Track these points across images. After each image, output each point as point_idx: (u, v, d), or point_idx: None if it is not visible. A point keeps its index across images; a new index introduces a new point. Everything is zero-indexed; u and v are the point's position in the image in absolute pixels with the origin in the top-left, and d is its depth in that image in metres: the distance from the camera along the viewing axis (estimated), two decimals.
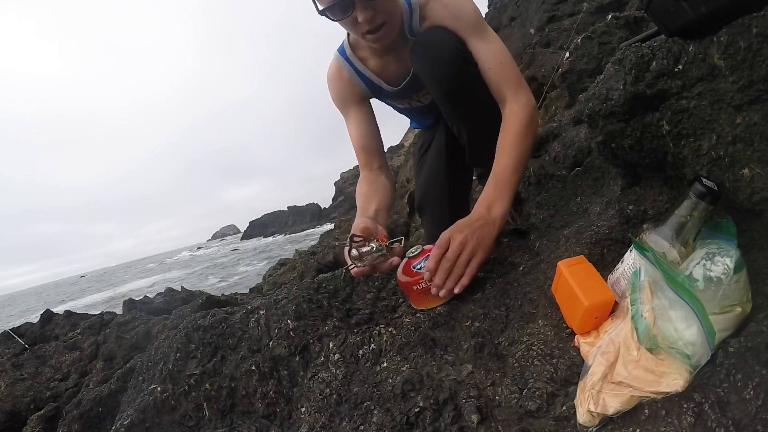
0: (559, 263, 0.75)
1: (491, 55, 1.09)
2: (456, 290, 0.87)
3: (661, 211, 0.80)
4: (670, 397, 0.54)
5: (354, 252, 0.86)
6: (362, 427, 0.71)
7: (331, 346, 0.87)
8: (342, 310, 0.95)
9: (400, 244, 0.94)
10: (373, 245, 0.88)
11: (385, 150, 1.38)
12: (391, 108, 1.43)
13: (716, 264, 0.59)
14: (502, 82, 1.08)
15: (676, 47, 0.67)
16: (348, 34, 1.23)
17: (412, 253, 0.92)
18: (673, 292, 0.57)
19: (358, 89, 1.27)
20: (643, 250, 0.63)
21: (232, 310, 1.06)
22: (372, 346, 0.85)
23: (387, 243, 0.91)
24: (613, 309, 0.68)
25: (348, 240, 0.88)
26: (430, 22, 1.13)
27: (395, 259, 0.87)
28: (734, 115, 0.64)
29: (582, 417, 0.57)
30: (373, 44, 1.10)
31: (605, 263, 0.81)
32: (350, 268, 0.89)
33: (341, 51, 1.26)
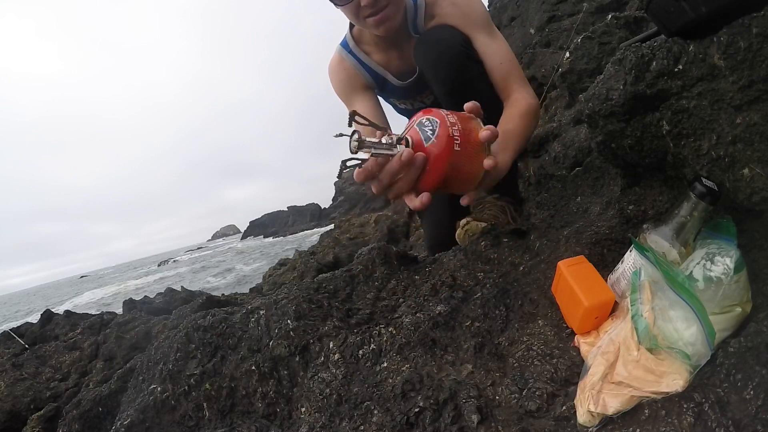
0: (559, 263, 0.75)
1: (503, 51, 1.11)
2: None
3: (661, 211, 0.80)
4: (670, 397, 0.54)
5: (354, 140, 0.61)
6: (362, 427, 0.71)
7: (331, 346, 0.87)
8: (342, 310, 0.95)
9: (408, 145, 0.69)
10: (383, 140, 0.66)
11: None
12: (391, 108, 1.43)
13: (716, 264, 0.59)
14: (511, 78, 1.10)
15: (676, 47, 0.67)
16: (350, 29, 1.24)
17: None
18: (673, 292, 0.57)
19: (362, 79, 1.27)
20: (643, 250, 0.63)
21: (232, 310, 1.06)
22: (372, 346, 0.85)
23: (397, 136, 0.68)
24: (613, 309, 0.68)
25: (349, 119, 0.64)
26: (438, 21, 1.14)
27: (407, 152, 0.64)
28: (734, 115, 0.64)
29: (582, 417, 0.57)
30: (375, 29, 1.09)
31: (605, 263, 0.81)
32: (348, 163, 0.67)
33: (344, 44, 1.26)
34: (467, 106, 0.73)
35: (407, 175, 0.66)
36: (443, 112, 0.69)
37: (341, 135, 0.64)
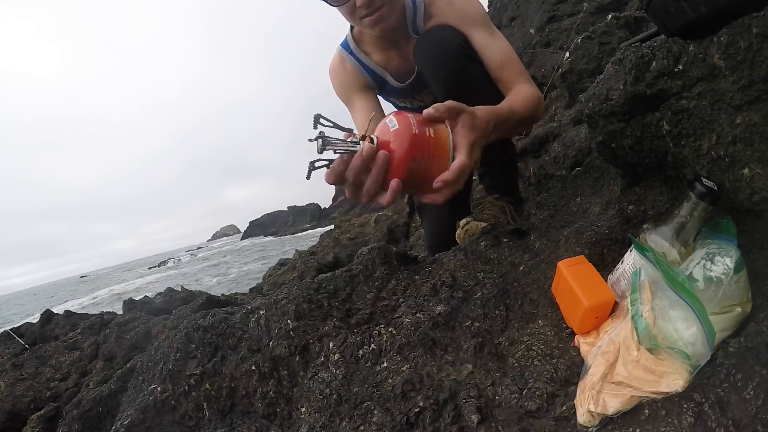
0: (559, 263, 0.75)
1: (503, 48, 1.12)
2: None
3: (661, 211, 0.80)
4: (670, 397, 0.54)
5: (319, 139, 0.63)
6: (362, 427, 0.71)
7: (331, 346, 0.87)
8: (342, 310, 0.95)
9: (373, 143, 0.69)
10: (349, 139, 0.67)
11: None
12: (391, 106, 1.44)
13: (716, 264, 0.59)
14: (513, 73, 1.10)
15: (676, 47, 0.67)
16: (350, 30, 1.24)
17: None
18: (673, 292, 0.57)
19: (362, 79, 1.28)
20: (643, 250, 0.63)
21: (232, 310, 1.06)
22: (372, 346, 0.85)
23: (362, 135, 0.69)
24: (613, 309, 0.68)
25: (314, 122, 0.64)
26: (436, 21, 1.14)
27: (367, 146, 0.65)
28: (734, 115, 0.64)
29: (582, 417, 0.57)
30: (371, 30, 1.09)
31: (605, 263, 0.81)
32: (316, 164, 0.67)
33: (344, 45, 1.28)
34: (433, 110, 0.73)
35: (373, 173, 0.66)
36: (409, 113, 0.71)
37: (312, 140, 0.65)
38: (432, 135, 0.70)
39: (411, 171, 0.68)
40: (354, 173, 0.66)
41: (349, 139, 0.67)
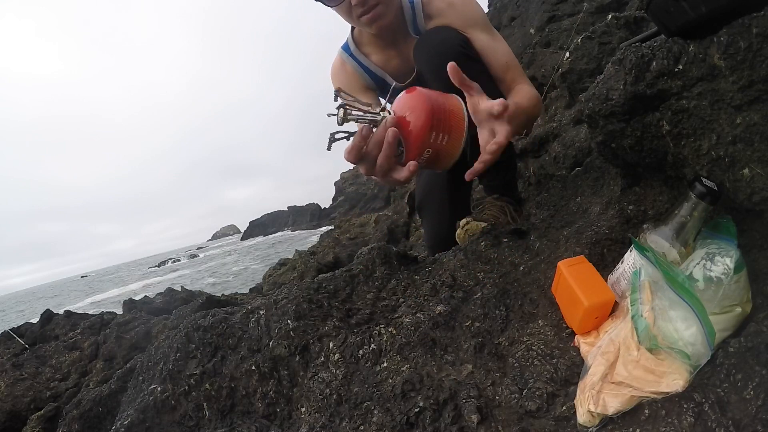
0: (559, 263, 0.75)
1: (503, 49, 1.15)
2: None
3: (661, 211, 0.80)
4: (670, 397, 0.54)
5: (341, 111, 0.64)
6: (362, 427, 0.71)
7: (331, 346, 0.87)
8: (342, 310, 0.95)
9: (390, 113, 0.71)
10: (363, 107, 0.68)
11: None
12: None
13: (716, 264, 0.59)
14: (514, 74, 1.14)
15: (676, 47, 0.67)
16: (351, 32, 1.26)
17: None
18: (673, 292, 0.57)
19: (362, 81, 1.31)
20: (643, 250, 0.63)
21: (232, 310, 1.06)
22: (372, 346, 0.85)
23: (381, 107, 0.71)
24: (613, 309, 0.68)
25: (335, 95, 0.66)
26: (438, 22, 1.16)
27: (390, 117, 0.66)
28: (734, 115, 0.64)
29: (582, 417, 0.57)
30: (369, 28, 1.11)
31: (605, 263, 0.81)
32: (336, 136, 0.68)
33: (345, 48, 1.30)
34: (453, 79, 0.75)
35: (385, 147, 0.68)
36: (425, 89, 0.73)
37: (330, 114, 0.67)
38: (448, 108, 0.71)
39: (430, 143, 0.69)
40: (377, 144, 0.67)
41: (369, 110, 0.69)
